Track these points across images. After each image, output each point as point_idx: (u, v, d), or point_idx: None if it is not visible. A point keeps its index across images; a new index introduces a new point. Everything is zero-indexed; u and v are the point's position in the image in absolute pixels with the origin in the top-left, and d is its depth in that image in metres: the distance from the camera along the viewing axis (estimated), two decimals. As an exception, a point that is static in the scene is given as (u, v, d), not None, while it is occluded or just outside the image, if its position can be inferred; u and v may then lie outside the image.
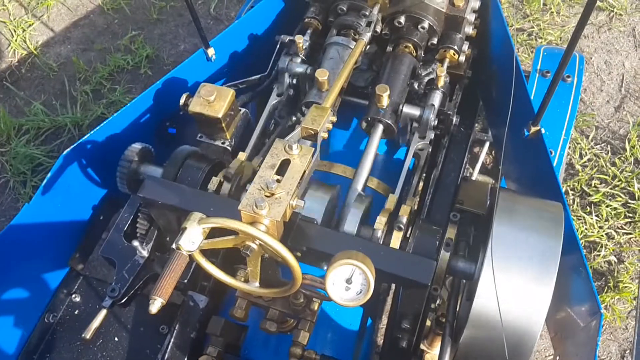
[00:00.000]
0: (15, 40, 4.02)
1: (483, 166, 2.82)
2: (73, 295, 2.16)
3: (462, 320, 1.63)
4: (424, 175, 2.16)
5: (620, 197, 3.23)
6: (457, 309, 1.73)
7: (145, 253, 1.94)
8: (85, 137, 2.02)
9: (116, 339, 2.13)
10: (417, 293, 1.54)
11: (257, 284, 1.44)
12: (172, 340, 1.92)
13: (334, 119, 1.66)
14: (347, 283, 1.30)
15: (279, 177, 1.41)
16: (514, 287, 1.47)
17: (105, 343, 2.11)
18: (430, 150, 2.08)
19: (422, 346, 2.18)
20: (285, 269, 1.40)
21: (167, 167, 1.84)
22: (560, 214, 1.58)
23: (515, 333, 1.48)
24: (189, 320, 1.93)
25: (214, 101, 1.89)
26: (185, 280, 1.95)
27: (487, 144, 2.61)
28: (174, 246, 1.26)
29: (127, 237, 2.03)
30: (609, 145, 3.41)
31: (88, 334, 1.82)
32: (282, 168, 1.44)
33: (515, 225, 1.54)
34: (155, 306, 1.21)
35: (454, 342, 1.60)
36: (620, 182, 3.26)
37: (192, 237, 1.25)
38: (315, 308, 1.62)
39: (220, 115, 1.88)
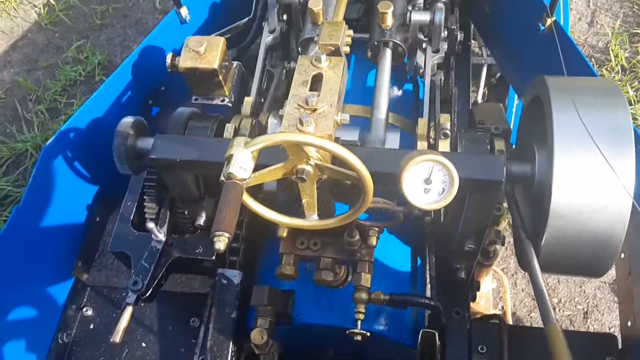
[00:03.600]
0: (-47, 74, 3.70)
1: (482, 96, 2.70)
2: (84, 309, 1.93)
3: (534, 226, 1.48)
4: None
5: (616, 107, 3.15)
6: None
7: (162, 236, 1.74)
8: (65, 124, 1.79)
9: (143, 344, 1.90)
10: (485, 200, 1.38)
11: (315, 216, 1.25)
12: (211, 326, 1.71)
13: (351, 32, 1.49)
14: (426, 184, 1.13)
15: (315, 92, 1.23)
16: (591, 172, 1.33)
17: (132, 352, 1.87)
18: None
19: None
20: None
21: (170, 132, 1.63)
22: (616, 86, 1.45)
23: (601, 222, 1.33)
24: (226, 299, 1.73)
25: (205, 52, 1.70)
26: (213, 257, 1.75)
27: (485, 68, 2.49)
28: (222, 177, 1.06)
29: (135, 227, 1.82)
30: (592, 59, 3.35)
31: (117, 337, 1.61)
32: (315, 84, 1.27)
33: (575, 106, 1.39)
34: (222, 242, 1.01)
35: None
36: (611, 93, 3.19)
37: (242, 163, 1.06)
38: (374, 243, 1.44)
39: (216, 66, 1.69)
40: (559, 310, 2.71)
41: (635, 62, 3.27)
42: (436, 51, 1.82)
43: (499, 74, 2.79)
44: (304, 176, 1.14)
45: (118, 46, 3.73)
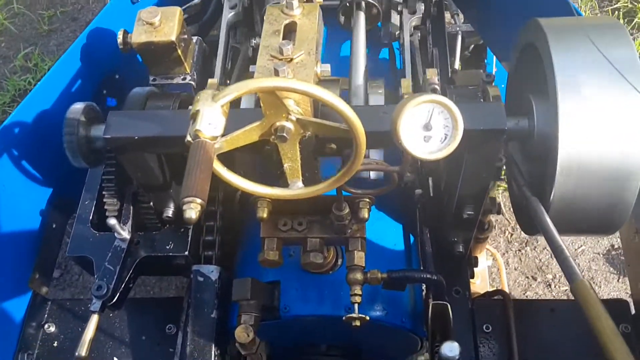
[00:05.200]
0: None
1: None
2: (46, 326, 1.74)
3: (538, 184, 1.35)
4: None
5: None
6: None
7: (126, 234, 1.56)
8: (8, 120, 1.60)
9: (115, 358, 1.71)
10: (485, 155, 1.24)
11: (300, 183, 1.09)
12: (190, 330, 1.53)
13: (322, -22, 1.33)
14: (426, 130, 0.98)
15: (289, 41, 1.08)
16: (601, 113, 1.20)
17: (103, 368, 1.68)
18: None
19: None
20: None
21: (126, 114, 1.45)
22: (617, 22, 1.33)
23: (616, 167, 1.21)
24: (204, 299, 1.56)
25: (161, 24, 1.53)
26: (186, 253, 1.57)
27: (459, 37, 2.36)
28: (189, 137, 0.89)
29: (95, 227, 1.63)
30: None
31: (83, 350, 1.44)
32: (288, 34, 1.11)
33: (576, 47, 1.26)
34: (194, 210, 0.83)
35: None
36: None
37: (211, 119, 0.89)
38: (365, 215, 1.29)
39: (173, 38, 1.51)
40: (555, 286, 2.60)
41: (606, 29, 3.20)
42: (413, 12, 1.69)
43: (472, 47, 2.67)
44: (284, 134, 0.98)
45: (69, 51, 3.51)
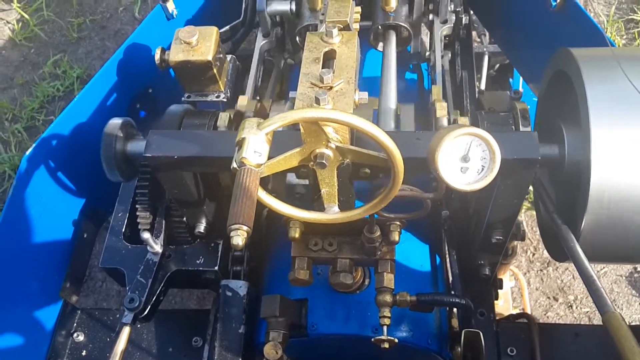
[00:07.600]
0: None
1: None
2: (75, 335, 1.78)
3: (569, 211, 1.36)
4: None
5: None
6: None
7: (158, 248, 1.59)
8: (46, 131, 1.64)
9: (143, 369, 1.73)
10: (517, 184, 1.25)
11: (336, 208, 1.11)
12: (217, 344, 1.55)
13: (359, 9, 1.36)
14: (464, 162, 1.00)
15: (329, 69, 1.10)
16: (632, 144, 1.21)
17: (129, 379, 1.71)
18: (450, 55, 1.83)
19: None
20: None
21: (163, 131, 1.48)
22: (647, 52, 1.34)
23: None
24: (231, 313, 1.58)
25: (198, 44, 1.56)
26: (216, 268, 1.60)
27: (486, 57, 2.38)
28: (234, 164, 0.92)
29: (127, 239, 1.67)
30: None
31: (116, 360, 1.44)
32: (327, 61, 1.13)
33: (609, 76, 1.28)
34: (240, 237, 0.85)
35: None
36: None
37: (256, 147, 0.91)
38: (396, 238, 1.30)
39: (210, 58, 1.55)
40: (576, 307, 2.58)
41: (632, 50, 3.19)
42: (444, 22, 1.71)
43: (497, 66, 2.68)
44: (324, 161, 1.00)
45: (97, 59, 3.57)
